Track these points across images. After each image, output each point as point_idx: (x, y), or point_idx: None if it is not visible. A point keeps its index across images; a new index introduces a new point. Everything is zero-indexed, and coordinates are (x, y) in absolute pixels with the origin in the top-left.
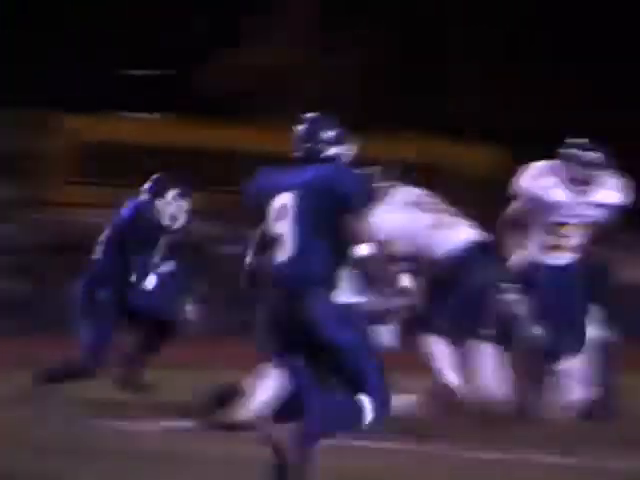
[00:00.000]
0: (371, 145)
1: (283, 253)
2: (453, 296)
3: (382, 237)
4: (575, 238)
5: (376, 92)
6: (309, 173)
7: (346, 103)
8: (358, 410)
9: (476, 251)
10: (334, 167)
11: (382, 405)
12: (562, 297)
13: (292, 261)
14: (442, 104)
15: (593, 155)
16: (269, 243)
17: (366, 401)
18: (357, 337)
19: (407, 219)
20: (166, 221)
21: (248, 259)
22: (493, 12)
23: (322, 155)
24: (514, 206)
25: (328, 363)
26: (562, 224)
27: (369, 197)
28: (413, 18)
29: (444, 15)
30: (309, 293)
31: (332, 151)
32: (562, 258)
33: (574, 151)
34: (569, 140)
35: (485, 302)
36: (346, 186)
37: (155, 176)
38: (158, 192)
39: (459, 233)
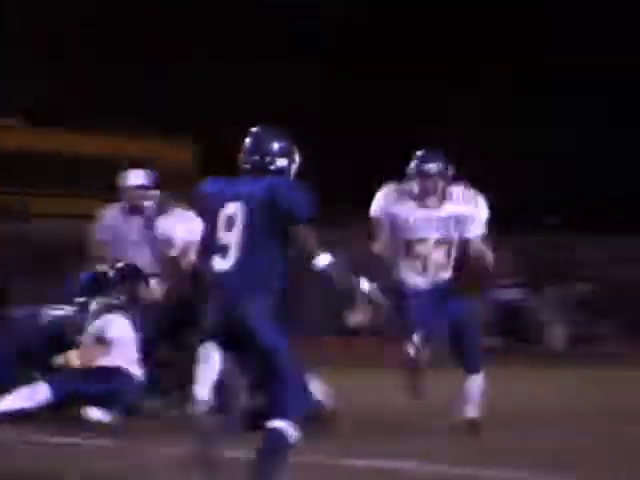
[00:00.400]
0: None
1: (226, 262)
2: None
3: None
4: (436, 254)
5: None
6: (256, 185)
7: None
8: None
9: None
10: (280, 179)
11: (304, 401)
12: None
13: (234, 270)
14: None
15: (431, 165)
16: (212, 249)
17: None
18: (284, 343)
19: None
20: None
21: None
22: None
23: (268, 167)
24: (380, 236)
25: (258, 366)
26: (419, 240)
27: (313, 207)
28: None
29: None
30: (247, 303)
31: (278, 163)
32: (424, 277)
33: (415, 163)
34: (415, 153)
35: None
36: (292, 198)
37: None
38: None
39: None
